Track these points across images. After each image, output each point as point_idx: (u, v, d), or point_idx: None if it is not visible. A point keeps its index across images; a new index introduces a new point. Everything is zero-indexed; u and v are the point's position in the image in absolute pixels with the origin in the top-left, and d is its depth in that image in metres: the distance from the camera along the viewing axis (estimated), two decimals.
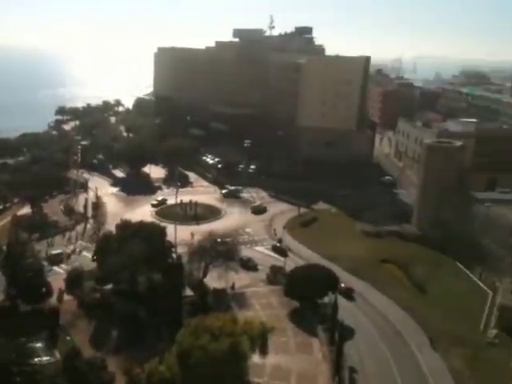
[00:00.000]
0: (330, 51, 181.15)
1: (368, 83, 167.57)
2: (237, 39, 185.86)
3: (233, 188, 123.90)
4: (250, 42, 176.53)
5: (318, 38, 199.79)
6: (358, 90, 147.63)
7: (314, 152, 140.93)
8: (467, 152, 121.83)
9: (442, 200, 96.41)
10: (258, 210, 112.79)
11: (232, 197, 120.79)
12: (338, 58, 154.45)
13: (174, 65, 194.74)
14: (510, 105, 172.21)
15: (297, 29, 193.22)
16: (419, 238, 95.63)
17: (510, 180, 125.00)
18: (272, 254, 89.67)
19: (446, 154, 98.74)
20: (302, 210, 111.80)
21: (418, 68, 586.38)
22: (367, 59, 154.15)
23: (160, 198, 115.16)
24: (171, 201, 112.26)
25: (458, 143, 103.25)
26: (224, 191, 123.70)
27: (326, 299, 69.76)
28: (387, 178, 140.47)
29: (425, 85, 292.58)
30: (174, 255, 76.16)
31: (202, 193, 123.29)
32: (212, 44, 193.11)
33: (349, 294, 74.57)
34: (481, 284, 79.98)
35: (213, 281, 74.33)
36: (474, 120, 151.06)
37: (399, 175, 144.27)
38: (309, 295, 70.00)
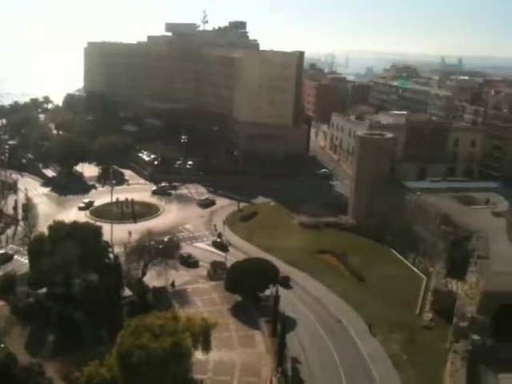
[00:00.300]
0: (263, 46, 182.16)
1: (302, 78, 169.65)
2: (169, 33, 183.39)
3: (162, 185, 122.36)
4: (183, 37, 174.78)
5: (252, 32, 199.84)
6: (293, 84, 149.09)
7: (252, 147, 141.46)
8: (398, 143, 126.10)
9: (375, 190, 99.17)
10: (206, 204, 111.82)
11: (162, 194, 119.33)
12: (272, 52, 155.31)
13: (105, 60, 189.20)
14: (438, 96, 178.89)
15: (230, 23, 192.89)
16: (355, 227, 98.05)
17: (439, 169, 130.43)
18: (213, 249, 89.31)
19: (378, 145, 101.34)
20: (242, 204, 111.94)
21: (350, 63, 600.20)
22: (301, 54, 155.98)
23: (87, 201, 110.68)
24: (105, 200, 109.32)
25: (390, 135, 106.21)
26: (153, 188, 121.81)
27: (268, 292, 70.11)
28: (323, 170, 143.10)
29: (357, 79, 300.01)
30: (111, 255, 74.26)
31: (139, 190, 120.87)
32: (144, 39, 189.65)
33: (285, 282, 74.92)
34: (415, 269, 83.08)
35: (152, 279, 73.11)
36: (405, 112, 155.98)
37: (335, 168, 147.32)
38: (250, 289, 70.12)
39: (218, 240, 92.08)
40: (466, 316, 59.43)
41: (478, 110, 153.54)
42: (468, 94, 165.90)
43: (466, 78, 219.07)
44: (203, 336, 52.01)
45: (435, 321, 65.81)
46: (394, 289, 74.83)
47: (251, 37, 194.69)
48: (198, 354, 52.30)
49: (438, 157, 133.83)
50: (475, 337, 56.87)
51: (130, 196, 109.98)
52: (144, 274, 72.79)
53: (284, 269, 77.71)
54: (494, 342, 56.93)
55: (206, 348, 52.49)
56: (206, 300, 71.33)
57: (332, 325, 66.68)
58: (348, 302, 71.54)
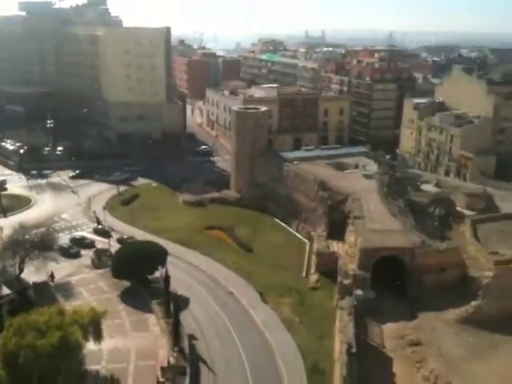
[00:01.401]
0: (127, 23, 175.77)
1: (172, 54, 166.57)
2: (23, 13, 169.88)
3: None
4: (38, 15, 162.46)
5: (114, 9, 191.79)
6: (163, 61, 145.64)
7: (126, 128, 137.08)
8: (273, 115, 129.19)
9: (255, 163, 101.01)
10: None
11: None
12: (137, 29, 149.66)
13: None
14: (306, 69, 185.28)
15: (89, 0, 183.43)
16: (239, 201, 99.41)
17: (313, 138, 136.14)
18: (95, 237, 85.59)
19: (254, 119, 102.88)
20: (122, 187, 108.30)
21: (218, 39, 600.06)
22: (168, 30, 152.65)
23: None
24: None
25: (264, 108, 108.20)
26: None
27: (157, 273, 68.80)
28: (203, 147, 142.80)
29: (227, 54, 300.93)
30: None
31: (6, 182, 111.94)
32: None
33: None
34: (298, 235, 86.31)
35: (32, 275, 68.46)
36: (276, 85, 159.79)
37: (214, 144, 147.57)
38: (138, 273, 68.35)
39: (99, 227, 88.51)
40: (349, 273, 63.00)
41: (342, 80, 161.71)
42: (333, 64, 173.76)
43: (329, 49, 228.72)
44: (93, 326, 50.17)
45: (321, 281, 68.90)
46: (281, 256, 77.29)
47: (113, 13, 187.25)
48: (91, 345, 50.30)
49: (311, 126, 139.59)
50: (358, 292, 60.56)
51: None
52: (21, 270, 67.99)
53: (172, 248, 76.59)
54: (375, 294, 61.12)
55: (98, 338, 50.74)
56: (92, 290, 68.45)
57: (224, 297, 67.36)
58: (238, 274, 72.59)
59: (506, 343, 53.98)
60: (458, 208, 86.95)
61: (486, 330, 55.62)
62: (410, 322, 58.55)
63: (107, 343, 53.98)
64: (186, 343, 55.18)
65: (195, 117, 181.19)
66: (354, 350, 49.59)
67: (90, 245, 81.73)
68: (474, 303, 58.16)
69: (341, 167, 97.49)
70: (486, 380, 48.81)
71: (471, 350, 53.20)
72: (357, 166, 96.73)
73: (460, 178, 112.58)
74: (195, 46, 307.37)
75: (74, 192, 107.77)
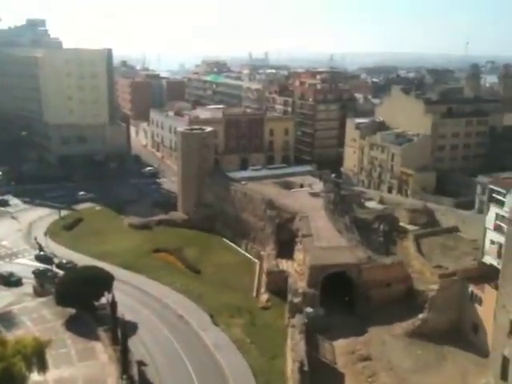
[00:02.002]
0: (67, 45, 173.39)
1: (114, 75, 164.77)
2: None
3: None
4: None
5: (54, 30, 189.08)
6: (105, 82, 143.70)
7: (68, 150, 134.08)
8: (219, 136, 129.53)
9: (202, 183, 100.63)
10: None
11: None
12: (78, 50, 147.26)
13: None
14: (250, 90, 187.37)
15: (28, 21, 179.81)
16: (187, 222, 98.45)
17: (259, 158, 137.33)
18: (36, 263, 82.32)
19: (200, 139, 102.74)
20: (64, 212, 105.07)
21: (162, 60, 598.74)
22: (109, 51, 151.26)
23: None
24: None
25: (209, 129, 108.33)
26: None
27: (104, 299, 66.74)
28: (148, 168, 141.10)
29: (171, 75, 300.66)
30: None
31: None
32: None
33: None
34: (248, 255, 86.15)
35: None
36: (221, 106, 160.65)
37: (160, 165, 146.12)
38: (83, 299, 65.94)
39: (42, 253, 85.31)
40: (298, 292, 63.36)
41: (286, 101, 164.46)
42: (276, 86, 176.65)
43: (273, 71, 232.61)
44: (37, 356, 48.04)
45: (272, 300, 68.77)
46: (231, 276, 76.79)
47: (53, 35, 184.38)
48: (35, 376, 48.07)
49: (257, 146, 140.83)
50: (309, 310, 60.99)
51: None
52: None
53: (119, 273, 74.60)
54: (325, 311, 61.62)
55: (42, 368, 48.60)
56: (35, 318, 65.46)
57: (174, 321, 66.04)
58: (188, 297, 71.39)
59: (453, 354, 55.50)
60: (401, 223, 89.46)
61: (433, 343, 57.06)
62: (360, 337, 59.35)
63: (53, 373, 51.81)
64: (135, 370, 53.51)
65: (140, 138, 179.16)
66: (306, 367, 49.64)
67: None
68: (420, 316, 59.62)
69: (288, 186, 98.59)
70: None
71: (420, 362, 54.35)
72: (302, 186, 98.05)
73: (402, 194, 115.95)
74: (138, 67, 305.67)
75: (13, 217, 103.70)
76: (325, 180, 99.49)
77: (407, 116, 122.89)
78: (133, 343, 58.41)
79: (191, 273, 79.34)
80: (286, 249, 77.46)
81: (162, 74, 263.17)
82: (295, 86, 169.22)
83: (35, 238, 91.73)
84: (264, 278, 73.72)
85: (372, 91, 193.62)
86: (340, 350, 57.62)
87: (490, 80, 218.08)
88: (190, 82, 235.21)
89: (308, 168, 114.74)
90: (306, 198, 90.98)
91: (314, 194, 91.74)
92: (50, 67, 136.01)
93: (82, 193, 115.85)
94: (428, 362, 54.45)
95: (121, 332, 55.22)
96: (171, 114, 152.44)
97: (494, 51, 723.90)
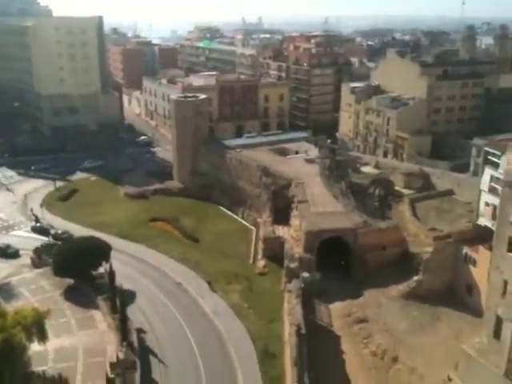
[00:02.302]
0: (57, 13, 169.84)
1: (105, 43, 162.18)
2: None
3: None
4: None
5: None
6: (96, 50, 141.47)
7: (61, 120, 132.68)
8: (213, 103, 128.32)
9: (197, 152, 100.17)
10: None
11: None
12: (68, 18, 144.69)
13: None
14: (244, 55, 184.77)
15: None
16: (183, 191, 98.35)
17: (254, 125, 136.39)
18: (33, 235, 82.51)
19: (194, 107, 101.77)
20: (59, 183, 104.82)
21: (154, 26, 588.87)
22: (100, 18, 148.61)
23: None
24: None
25: (203, 96, 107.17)
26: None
27: (101, 269, 67.17)
28: (142, 137, 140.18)
29: (163, 42, 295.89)
30: None
31: None
32: None
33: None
34: (244, 222, 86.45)
35: None
36: (214, 73, 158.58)
37: (154, 134, 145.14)
38: (81, 269, 66.33)
39: (38, 225, 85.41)
40: (295, 257, 63.92)
41: (281, 66, 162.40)
42: (270, 51, 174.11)
43: (267, 36, 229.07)
44: (37, 326, 48.49)
45: (268, 266, 69.37)
46: (228, 244, 77.25)
47: (42, 3, 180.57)
48: (36, 346, 48.70)
49: (252, 113, 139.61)
50: (305, 274, 61.58)
51: None
52: None
53: (116, 242, 74.70)
54: (322, 276, 62.24)
55: (42, 338, 49.13)
56: (34, 289, 65.96)
57: (172, 289, 66.67)
58: (185, 265, 71.91)
59: (447, 315, 56.36)
60: (397, 188, 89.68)
61: (428, 304, 57.88)
62: (356, 300, 60.13)
63: (53, 343, 52.44)
64: (134, 337, 54.29)
65: (133, 107, 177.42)
66: (303, 331, 50.45)
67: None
68: (415, 278, 60.30)
69: (283, 153, 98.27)
70: (430, 351, 50.78)
71: (415, 323, 55.21)
72: (297, 152, 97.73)
73: (397, 158, 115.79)
74: (130, 35, 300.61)
75: (8, 190, 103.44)
76: (320, 146, 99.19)
77: (403, 79, 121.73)
78: (132, 311, 59.09)
79: (188, 241, 79.69)
80: (282, 215, 77.70)
81: (154, 41, 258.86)
82: (289, 50, 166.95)
83: (31, 210, 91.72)
84: (261, 244, 74.13)
85: (367, 55, 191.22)
86: (336, 313, 58.46)
87: (485, 41, 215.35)
88: (182, 48, 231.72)
89: (303, 134, 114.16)
90: (301, 164, 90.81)
91: (310, 161, 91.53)
92: (40, 36, 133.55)
93: (89, 160, 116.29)
94: (423, 322, 55.32)
95: (119, 300, 55.77)
96: (164, 81, 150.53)
97: (490, 12, 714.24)
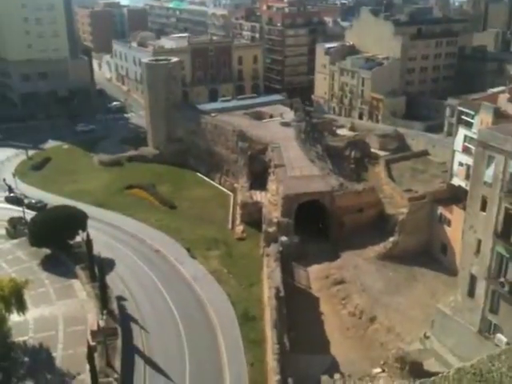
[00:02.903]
0: None
1: (72, 5, 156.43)
2: None
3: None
4: None
5: None
6: (63, 14, 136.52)
7: (29, 87, 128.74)
8: (186, 66, 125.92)
9: (171, 116, 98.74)
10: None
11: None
12: None
13: None
14: (215, 16, 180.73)
15: None
16: (158, 157, 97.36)
17: (228, 88, 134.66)
18: (7, 205, 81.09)
19: (166, 70, 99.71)
20: (31, 151, 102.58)
21: None
22: None
23: None
24: None
25: (175, 59, 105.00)
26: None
27: (79, 238, 66.65)
28: (115, 103, 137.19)
29: (131, 3, 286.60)
30: None
31: None
32: None
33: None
34: (221, 188, 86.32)
35: None
36: (186, 34, 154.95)
37: (126, 99, 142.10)
38: (58, 239, 65.77)
39: (11, 195, 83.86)
40: (273, 221, 64.21)
41: (254, 27, 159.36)
42: (243, 11, 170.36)
43: None
44: (15, 297, 48.56)
45: (247, 232, 69.78)
46: (206, 210, 77.27)
47: None
48: (15, 317, 48.64)
49: (226, 76, 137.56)
50: (283, 238, 62.05)
51: None
52: None
53: (92, 211, 74.06)
54: (300, 239, 62.82)
55: (21, 308, 49.27)
56: (10, 260, 65.37)
57: (151, 256, 66.68)
58: (164, 232, 71.80)
59: (422, 275, 57.68)
60: (372, 149, 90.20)
61: (404, 264, 59.09)
62: (334, 262, 61.04)
63: (33, 313, 52.57)
64: (114, 305, 54.45)
65: (103, 71, 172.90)
66: (282, 293, 51.17)
67: None
68: (391, 239, 61.32)
69: (258, 117, 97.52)
70: (407, 311, 52.12)
71: (392, 284, 56.42)
72: (271, 116, 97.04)
73: (373, 120, 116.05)
74: None
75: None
76: (296, 109, 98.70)
77: (377, 39, 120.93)
78: (111, 279, 59.09)
79: (165, 208, 79.38)
80: (259, 180, 77.78)
81: (123, 2, 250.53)
82: (262, 10, 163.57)
83: (4, 180, 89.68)
84: (238, 210, 74.32)
85: (341, 13, 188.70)
86: (314, 276, 59.34)
87: None
88: (152, 9, 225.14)
89: (278, 97, 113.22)
90: (277, 128, 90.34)
91: (286, 124, 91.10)
92: (4, 0, 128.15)
93: (81, 124, 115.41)
94: (399, 283, 56.59)
95: (98, 269, 55.60)
96: (134, 44, 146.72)
97: None
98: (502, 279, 40.92)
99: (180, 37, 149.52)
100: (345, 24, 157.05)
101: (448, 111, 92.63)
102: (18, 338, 49.66)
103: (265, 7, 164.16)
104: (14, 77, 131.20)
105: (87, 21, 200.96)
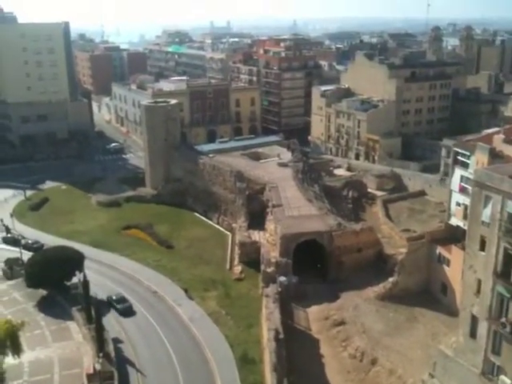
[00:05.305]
0: (22, 19, 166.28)
1: (72, 49, 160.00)
2: None
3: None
4: None
5: (6, 5, 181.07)
6: (63, 57, 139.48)
7: (29, 128, 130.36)
8: (184, 108, 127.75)
9: (169, 157, 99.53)
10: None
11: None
12: (33, 25, 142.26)
13: None
14: (213, 60, 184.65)
15: None
16: (156, 197, 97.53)
17: (226, 130, 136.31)
18: (4, 246, 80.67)
19: (165, 112, 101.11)
20: (29, 192, 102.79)
21: (121, 31, 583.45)
22: (66, 24, 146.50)
23: None
24: None
25: (174, 101, 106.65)
26: None
27: (75, 279, 66.08)
28: (113, 144, 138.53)
29: (131, 47, 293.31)
30: None
31: None
32: None
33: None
34: (220, 228, 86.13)
35: None
36: (185, 77, 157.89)
37: (125, 140, 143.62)
38: (54, 280, 65.20)
39: (9, 235, 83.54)
40: (271, 261, 63.85)
41: (251, 70, 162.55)
42: (240, 55, 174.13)
43: (236, 39, 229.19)
44: (10, 339, 47.74)
45: (245, 272, 69.21)
46: (203, 250, 76.91)
47: (6, 10, 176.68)
48: (10, 360, 47.75)
49: (224, 118, 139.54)
50: (282, 278, 61.58)
51: None
52: None
53: (89, 252, 73.65)
54: (298, 279, 62.37)
55: (16, 351, 48.43)
56: (6, 302, 64.57)
57: (148, 297, 65.94)
58: (161, 272, 71.24)
59: (423, 316, 57.06)
60: (370, 189, 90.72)
61: (404, 304, 58.49)
62: (333, 303, 60.39)
63: (28, 356, 51.74)
64: (111, 347, 53.54)
65: (103, 113, 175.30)
66: (281, 335, 50.44)
67: None
68: (391, 279, 60.89)
69: (256, 157, 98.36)
70: (408, 352, 51.28)
71: (392, 324, 55.72)
72: (267, 157, 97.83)
73: (369, 160, 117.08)
74: (97, 40, 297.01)
75: None
76: (293, 149, 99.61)
77: (372, 82, 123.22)
78: (107, 321, 58.38)
79: (163, 248, 79.02)
80: (257, 220, 77.68)
81: (122, 46, 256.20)
82: (259, 54, 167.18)
83: (1, 220, 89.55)
84: (236, 249, 73.96)
85: (336, 58, 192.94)
86: (314, 317, 58.61)
87: (451, 43, 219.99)
88: (151, 53, 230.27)
89: (275, 138, 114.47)
90: (274, 168, 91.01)
91: (283, 164, 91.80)
92: (5, 43, 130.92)
93: (113, 144, 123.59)
94: (399, 323, 55.89)
95: (94, 311, 54.98)
96: (134, 87, 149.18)
97: (456, 13, 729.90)
98: (503, 319, 40.52)
99: (179, 80, 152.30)
100: (340, 67, 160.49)
101: (444, 152, 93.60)
102: (13, 382, 48.69)
103: (262, 51, 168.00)
104: (14, 118, 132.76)
105: (87, 64, 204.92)
